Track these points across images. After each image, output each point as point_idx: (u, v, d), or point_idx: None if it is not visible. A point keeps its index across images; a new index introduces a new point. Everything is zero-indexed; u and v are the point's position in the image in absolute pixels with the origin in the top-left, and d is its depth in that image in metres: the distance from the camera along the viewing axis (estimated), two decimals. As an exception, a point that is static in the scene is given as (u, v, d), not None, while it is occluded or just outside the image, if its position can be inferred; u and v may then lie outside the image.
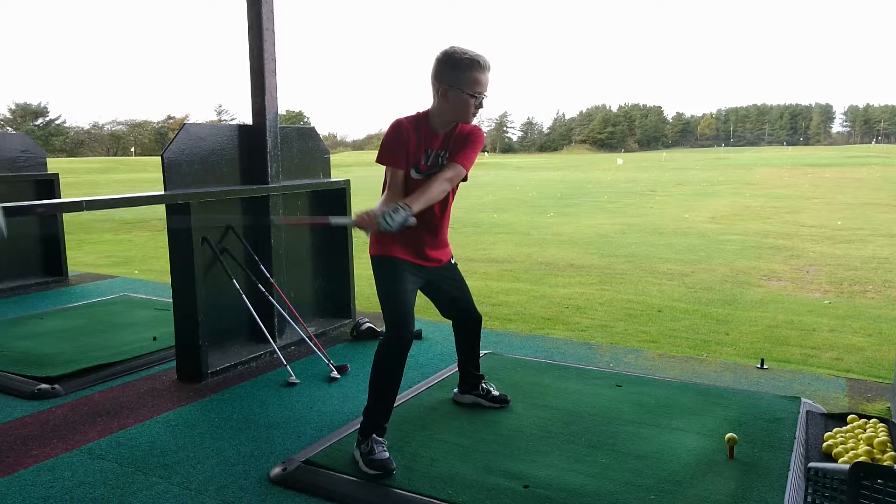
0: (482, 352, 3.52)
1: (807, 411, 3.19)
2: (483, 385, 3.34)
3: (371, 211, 2.50)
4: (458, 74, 2.68)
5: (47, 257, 6.69)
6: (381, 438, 2.72)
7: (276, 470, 2.71)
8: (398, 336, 2.72)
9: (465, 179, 2.81)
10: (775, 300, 6.07)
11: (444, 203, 2.86)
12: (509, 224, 12.59)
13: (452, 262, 3.09)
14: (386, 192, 2.78)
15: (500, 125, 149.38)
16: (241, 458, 2.85)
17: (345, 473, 2.65)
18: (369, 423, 2.74)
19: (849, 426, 2.93)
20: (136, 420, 3.28)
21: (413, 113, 2.82)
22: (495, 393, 3.34)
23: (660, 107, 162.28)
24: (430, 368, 3.96)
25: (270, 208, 4.29)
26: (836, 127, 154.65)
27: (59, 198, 6.45)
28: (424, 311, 5.53)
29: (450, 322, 3.28)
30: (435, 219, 2.87)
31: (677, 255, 8.59)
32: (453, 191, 2.88)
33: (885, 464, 2.55)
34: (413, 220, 2.53)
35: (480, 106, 2.75)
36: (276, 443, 3.00)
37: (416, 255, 2.86)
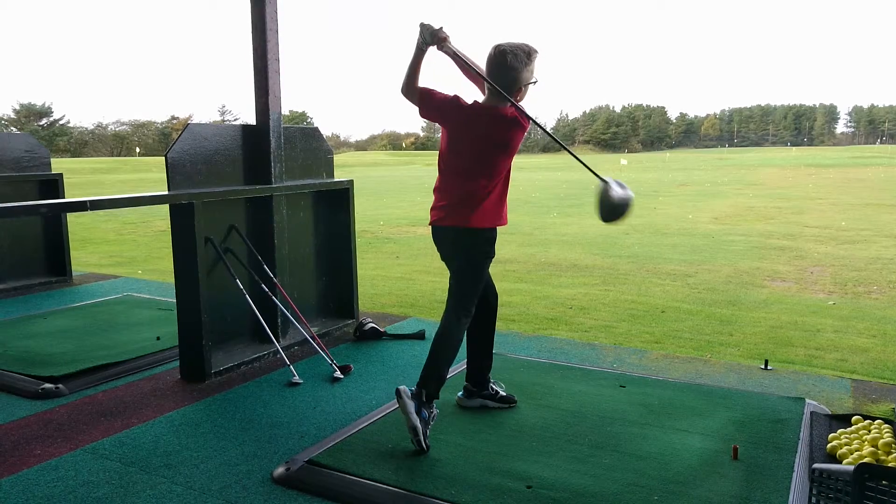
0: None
1: (811, 412, 3.18)
2: (492, 386, 3.32)
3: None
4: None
5: (51, 257, 6.71)
6: (434, 405, 2.93)
7: (280, 470, 2.71)
8: (473, 309, 3.03)
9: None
10: (779, 301, 6.05)
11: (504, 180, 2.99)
12: (512, 224, 12.50)
13: None
14: None
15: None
16: (245, 458, 2.85)
17: (348, 473, 2.65)
18: (434, 388, 2.92)
19: (853, 427, 2.92)
20: (140, 420, 3.28)
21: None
22: (503, 393, 3.32)
23: (663, 107, 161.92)
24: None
25: (274, 208, 4.29)
26: (841, 127, 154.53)
27: (63, 197, 6.47)
28: (427, 312, 5.54)
29: None
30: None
31: (681, 256, 8.57)
32: (504, 179, 2.97)
33: (889, 465, 2.54)
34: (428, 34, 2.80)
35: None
36: (280, 443, 3.00)
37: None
